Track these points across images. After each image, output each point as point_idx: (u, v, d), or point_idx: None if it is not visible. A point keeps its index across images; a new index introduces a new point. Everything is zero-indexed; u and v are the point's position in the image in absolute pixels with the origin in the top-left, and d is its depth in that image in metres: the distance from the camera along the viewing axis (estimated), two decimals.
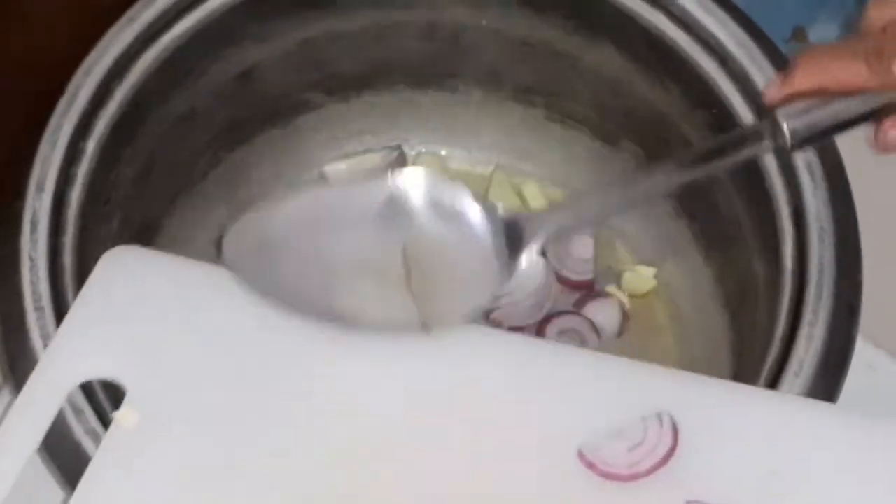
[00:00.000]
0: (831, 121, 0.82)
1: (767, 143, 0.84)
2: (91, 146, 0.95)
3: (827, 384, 0.87)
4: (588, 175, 1.18)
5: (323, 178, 1.21)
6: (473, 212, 0.86)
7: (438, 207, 0.86)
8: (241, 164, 1.15)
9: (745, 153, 0.86)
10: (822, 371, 0.87)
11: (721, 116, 0.99)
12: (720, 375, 1.02)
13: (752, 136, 0.85)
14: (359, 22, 1.09)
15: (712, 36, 0.99)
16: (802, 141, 0.83)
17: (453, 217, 0.86)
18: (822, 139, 0.84)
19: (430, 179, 0.87)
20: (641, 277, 1.16)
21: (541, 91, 1.16)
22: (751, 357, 0.98)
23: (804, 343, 0.88)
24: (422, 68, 1.16)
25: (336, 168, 1.20)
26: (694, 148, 0.96)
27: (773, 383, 0.87)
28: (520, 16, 1.08)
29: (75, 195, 0.93)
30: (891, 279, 0.96)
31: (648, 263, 1.17)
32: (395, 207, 0.86)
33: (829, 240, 0.91)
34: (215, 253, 1.13)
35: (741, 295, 1.05)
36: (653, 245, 1.16)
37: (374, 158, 1.21)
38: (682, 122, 1.05)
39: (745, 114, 0.97)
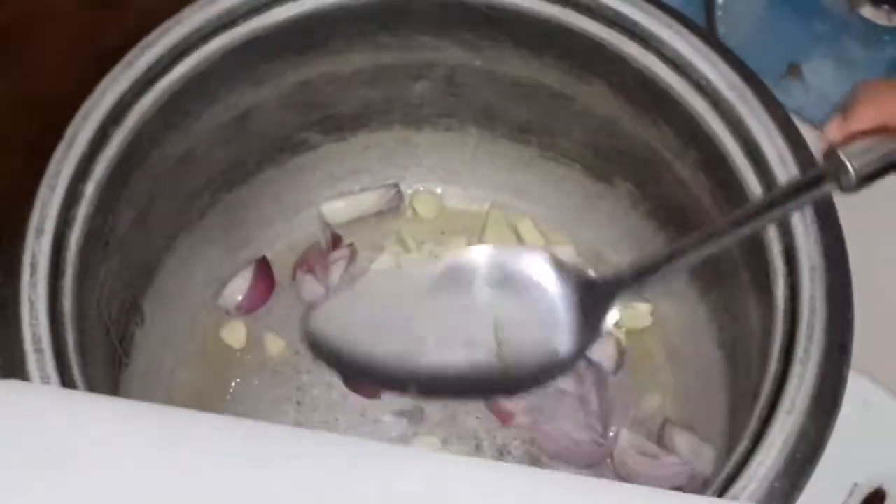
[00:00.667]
0: (893, 157, 0.80)
1: (832, 185, 0.81)
2: (90, 189, 0.95)
3: (818, 422, 0.87)
4: (582, 212, 1.18)
5: (321, 217, 1.21)
6: (552, 280, 0.86)
7: (519, 278, 0.86)
8: (238, 204, 1.16)
9: (809, 197, 0.84)
10: (813, 409, 0.87)
11: (712, 157, 1.00)
12: (715, 412, 1.05)
13: (816, 178, 0.83)
14: (355, 64, 1.10)
15: (704, 77, 1.00)
16: (866, 179, 0.80)
17: (534, 286, 0.86)
18: (883, 175, 0.82)
19: (508, 252, 0.87)
20: (638, 314, 1.17)
21: (535, 130, 1.17)
22: (746, 394, 0.99)
23: (796, 382, 0.88)
24: (417, 108, 1.17)
25: (333, 207, 1.21)
26: (759, 198, 0.95)
27: (766, 421, 0.88)
28: (514, 56, 1.09)
29: (74, 238, 0.94)
30: (886, 315, 0.96)
31: (644, 301, 1.17)
32: (475, 280, 0.86)
33: (820, 279, 0.91)
34: (213, 293, 1.15)
35: (735, 332, 1.05)
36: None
37: (372, 197, 1.22)
38: (675, 161, 1.06)
39: (735, 154, 0.98)
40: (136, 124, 0.99)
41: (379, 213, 1.23)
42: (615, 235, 1.18)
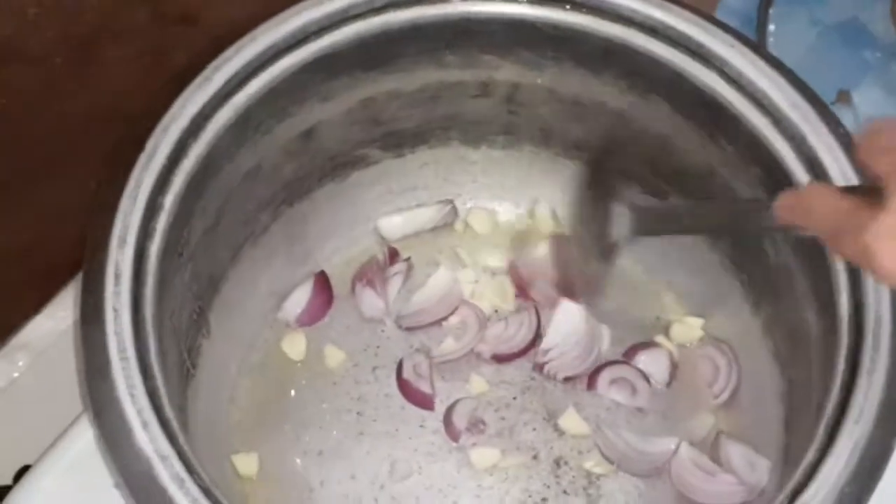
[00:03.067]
0: None
1: None
2: (169, 201, 0.98)
3: (886, 430, 0.90)
4: None
5: (377, 232, 1.24)
6: None
7: None
8: (300, 217, 1.18)
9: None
10: (881, 418, 0.90)
11: (774, 174, 1.02)
12: (770, 425, 1.07)
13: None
14: (419, 81, 1.13)
15: (765, 96, 1.02)
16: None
17: None
18: None
19: None
20: (689, 327, 1.19)
21: (590, 147, 1.19)
22: (804, 406, 1.01)
23: (863, 391, 0.91)
24: (476, 125, 1.20)
25: (390, 222, 1.24)
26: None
27: (833, 431, 0.90)
28: (575, 75, 1.11)
29: (154, 248, 0.96)
30: None
31: (696, 314, 1.20)
32: None
33: (885, 291, 0.94)
34: (274, 305, 1.17)
35: (791, 345, 1.08)
36: (701, 295, 1.19)
37: (427, 213, 1.24)
38: (734, 179, 1.08)
39: (798, 171, 1.00)
40: (212, 138, 1.01)
41: (434, 229, 1.25)
42: (668, 250, 1.19)
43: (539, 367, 1.17)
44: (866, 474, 0.88)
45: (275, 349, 1.19)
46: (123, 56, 1.08)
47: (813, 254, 0.99)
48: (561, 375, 1.16)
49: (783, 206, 0.82)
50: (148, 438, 0.87)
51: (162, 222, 0.97)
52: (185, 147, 0.99)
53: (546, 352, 1.17)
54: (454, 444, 1.14)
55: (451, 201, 1.25)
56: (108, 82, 1.08)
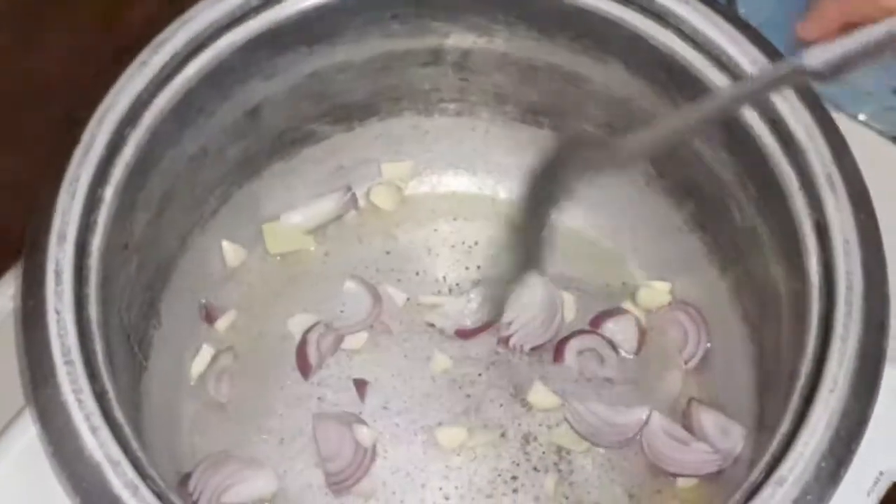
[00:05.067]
0: (861, 50, 0.80)
1: (805, 77, 0.82)
2: (109, 193, 0.94)
3: (861, 399, 0.87)
4: (596, 192, 1.17)
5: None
6: None
7: None
8: (250, 197, 1.14)
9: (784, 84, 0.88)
10: (856, 386, 0.87)
11: (737, 136, 0.99)
12: (741, 388, 1.04)
13: (791, 71, 0.83)
14: (366, 53, 1.09)
15: (724, 53, 0.99)
16: (835, 71, 0.80)
17: None
18: (852, 68, 0.81)
19: None
20: (656, 292, 1.16)
21: (547, 111, 1.16)
22: (776, 371, 0.99)
23: (836, 359, 0.88)
24: (427, 94, 1.16)
25: (290, 218, 1.19)
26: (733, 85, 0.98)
27: (808, 400, 0.87)
28: (527, 38, 1.08)
29: (96, 243, 0.92)
30: None
31: (662, 279, 1.17)
32: None
33: (855, 253, 0.91)
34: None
35: (761, 308, 1.05)
36: (666, 260, 1.16)
37: (328, 204, 1.20)
38: (696, 139, 1.05)
39: (763, 133, 0.97)
40: (152, 124, 0.97)
41: (338, 218, 1.21)
42: (631, 214, 1.16)
43: (504, 341, 1.14)
44: (843, 446, 0.86)
45: (231, 334, 1.15)
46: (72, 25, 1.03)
47: (779, 215, 0.96)
48: (527, 346, 1.14)
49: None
50: (97, 444, 0.84)
51: (103, 215, 0.93)
52: (123, 136, 0.96)
53: (509, 324, 1.14)
54: (420, 425, 1.11)
55: (349, 188, 1.21)
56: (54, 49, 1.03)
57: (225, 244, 1.15)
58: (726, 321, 1.11)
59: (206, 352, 1.13)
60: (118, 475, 0.83)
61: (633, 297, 1.17)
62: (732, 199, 1.04)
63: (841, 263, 0.91)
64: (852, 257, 0.91)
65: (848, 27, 0.81)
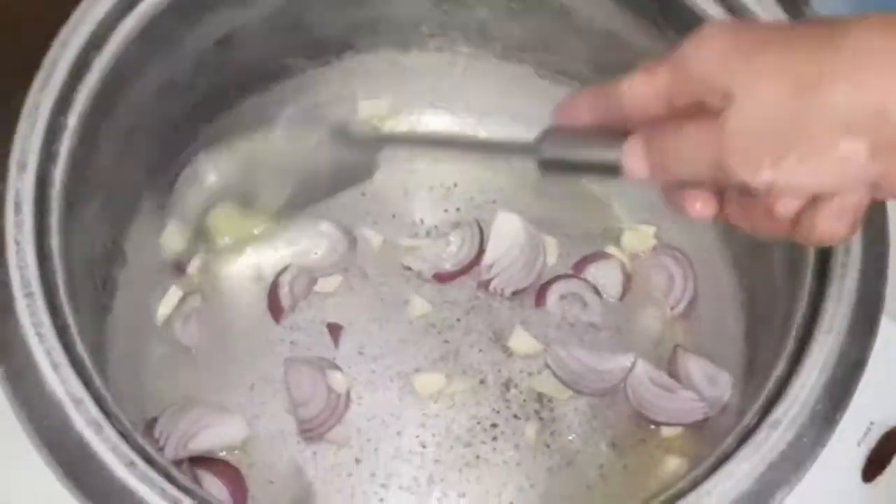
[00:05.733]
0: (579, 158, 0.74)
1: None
2: (72, 121, 0.89)
3: (859, 341, 0.84)
4: None
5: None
6: None
7: None
8: (220, 134, 1.09)
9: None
10: (854, 327, 0.84)
11: None
12: (729, 337, 1.01)
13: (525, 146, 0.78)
14: None
15: None
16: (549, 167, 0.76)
17: None
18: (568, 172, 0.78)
19: None
20: (641, 236, 1.13)
21: (530, 47, 1.11)
22: (766, 317, 0.96)
23: (834, 299, 0.84)
24: (406, 27, 1.12)
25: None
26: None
27: (803, 342, 0.84)
28: None
29: (58, 173, 0.88)
30: None
31: (647, 222, 1.13)
32: None
33: None
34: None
35: (751, 252, 1.02)
36: (652, 203, 1.12)
37: None
38: None
39: None
40: (117, 50, 0.92)
41: None
42: None
43: (484, 285, 1.10)
44: (840, 389, 0.82)
45: (197, 278, 1.11)
46: None
47: None
48: (508, 290, 1.10)
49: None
50: (59, 381, 0.80)
51: (66, 145, 0.89)
52: (87, 61, 0.91)
53: (489, 267, 1.11)
54: (396, 371, 1.07)
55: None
56: None
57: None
58: (714, 266, 1.08)
59: (174, 294, 1.09)
60: (81, 413, 0.79)
61: (617, 240, 1.14)
62: None
63: None
64: None
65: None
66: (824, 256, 0.86)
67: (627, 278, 1.11)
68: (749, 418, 0.83)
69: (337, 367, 1.06)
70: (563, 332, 1.09)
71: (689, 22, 0.96)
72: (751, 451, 0.80)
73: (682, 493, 0.80)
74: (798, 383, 0.82)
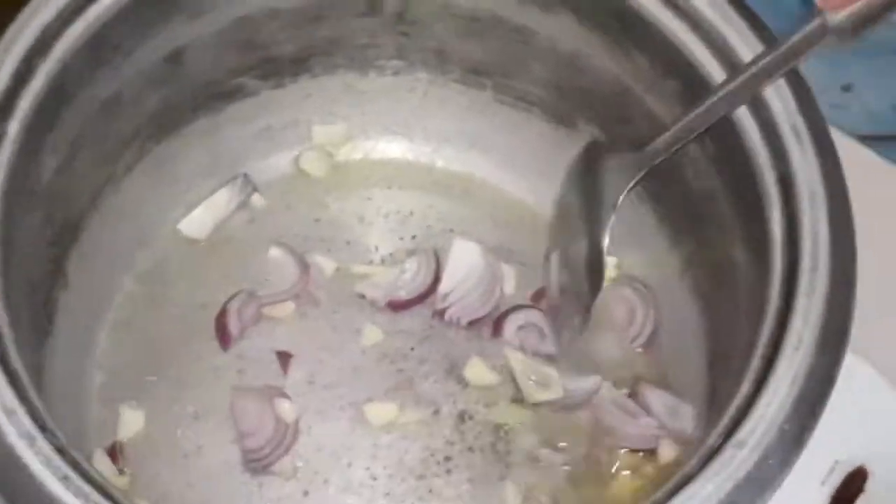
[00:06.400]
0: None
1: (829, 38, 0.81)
2: (14, 128, 0.86)
3: (827, 358, 0.81)
4: (540, 161, 1.11)
5: (182, 235, 1.11)
6: None
7: None
8: (168, 157, 1.07)
9: (808, 49, 0.83)
10: (822, 344, 0.81)
11: (693, 85, 0.93)
12: (692, 366, 0.97)
13: (813, 33, 0.82)
14: None
15: None
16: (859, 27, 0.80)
17: None
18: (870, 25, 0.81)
19: None
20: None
21: (490, 71, 1.09)
22: (730, 345, 0.92)
23: (801, 315, 0.82)
24: (364, 49, 1.09)
25: (190, 221, 1.11)
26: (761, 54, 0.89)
27: (770, 360, 0.81)
28: None
29: None
30: (870, 289, 0.88)
31: (609, 254, 1.09)
32: None
33: (822, 206, 0.85)
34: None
35: (715, 278, 0.99)
36: (614, 234, 1.09)
37: (223, 195, 1.12)
38: (648, 95, 0.99)
39: (719, 77, 0.91)
40: (62, 56, 0.90)
41: (239, 207, 1.12)
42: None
43: (440, 313, 1.07)
44: (808, 409, 0.79)
45: (143, 304, 1.07)
46: None
47: (739, 171, 0.90)
48: (465, 320, 1.07)
49: None
50: None
51: (6, 152, 0.86)
52: (31, 67, 0.88)
53: (445, 296, 1.07)
54: (346, 402, 1.03)
55: (244, 175, 1.12)
56: None
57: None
58: (675, 296, 1.05)
59: (117, 319, 1.05)
60: (13, 424, 0.75)
61: None
62: (688, 160, 0.97)
63: (806, 217, 0.85)
64: (818, 210, 0.85)
65: None
66: (791, 271, 0.84)
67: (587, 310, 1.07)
68: (714, 438, 0.79)
69: (286, 396, 1.02)
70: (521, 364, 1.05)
71: (654, 41, 0.94)
72: (715, 472, 0.77)
73: None
74: (764, 401, 0.79)
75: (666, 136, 0.91)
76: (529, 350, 1.06)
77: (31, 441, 0.75)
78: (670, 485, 0.78)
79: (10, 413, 0.75)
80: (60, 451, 0.75)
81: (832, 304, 0.82)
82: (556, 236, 1.06)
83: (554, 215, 1.06)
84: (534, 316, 1.07)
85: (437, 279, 1.08)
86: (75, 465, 0.75)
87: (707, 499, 0.76)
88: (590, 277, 0.99)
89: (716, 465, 0.77)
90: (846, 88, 1.47)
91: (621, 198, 0.95)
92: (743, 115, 0.90)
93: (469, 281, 1.07)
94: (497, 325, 1.07)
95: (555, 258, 1.06)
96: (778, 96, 0.89)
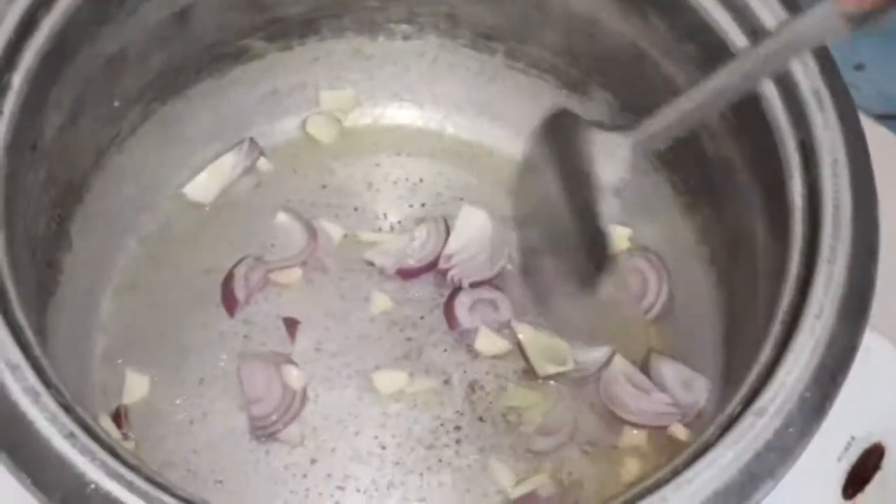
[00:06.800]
0: None
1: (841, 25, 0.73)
2: (17, 80, 0.84)
3: (849, 327, 0.79)
4: None
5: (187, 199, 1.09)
6: None
7: None
8: (173, 119, 1.05)
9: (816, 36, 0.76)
10: (844, 312, 0.79)
11: (712, 50, 0.91)
12: (706, 338, 0.96)
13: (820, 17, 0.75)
14: None
15: None
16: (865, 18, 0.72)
17: None
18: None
19: None
20: (615, 237, 1.07)
21: (502, 36, 1.07)
22: (746, 316, 0.91)
23: (823, 283, 0.80)
24: (373, 12, 1.07)
25: (195, 185, 1.09)
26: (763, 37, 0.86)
27: (790, 328, 0.79)
28: None
29: (1, 134, 0.82)
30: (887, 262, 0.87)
31: (623, 224, 1.08)
32: None
33: (844, 173, 0.83)
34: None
35: (731, 248, 0.97)
36: (627, 204, 1.07)
37: (229, 160, 1.09)
38: (665, 60, 0.97)
39: (739, 41, 0.89)
40: (67, 9, 0.87)
41: (245, 172, 1.10)
42: None
43: (442, 273, 1.05)
44: (829, 377, 0.77)
45: (147, 268, 1.05)
46: None
47: (758, 138, 0.88)
48: (466, 282, 1.05)
49: None
50: None
51: (9, 104, 0.84)
52: (35, 19, 0.86)
53: (449, 257, 1.06)
54: (355, 369, 1.01)
55: (249, 138, 1.10)
56: None
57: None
58: (690, 267, 1.04)
59: (121, 283, 1.03)
60: (18, 380, 0.73)
61: None
62: (704, 127, 0.95)
63: (828, 184, 0.84)
64: (840, 177, 0.84)
65: None
66: (812, 239, 0.82)
67: None
68: (733, 406, 0.78)
69: (292, 363, 1.00)
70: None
71: (671, 3, 0.92)
72: (734, 440, 0.75)
73: (661, 483, 0.74)
74: (784, 369, 0.77)
75: (661, 121, 0.84)
76: (491, 323, 1.04)
77: (35, 397, 0.73)
78: (688, 453, 0.76)
79: (13, 368, 0.74)
80: (66, 408, 0.73)
81: (854, 272, 0.80)
82: (527, 203, 1.02)
83: (521, 180, 0.99)
84: (478, 294, 1.05)
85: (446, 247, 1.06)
86: (81, 423, 0.73)
87: (726, 467, 0.74)
88: (593, 259, 0.95)
89: (735, 433, 0.75)
90: (858, 68, 1.46)
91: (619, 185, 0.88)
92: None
93: (474, 245, 1.06)
94: (449, 318, 1.04)
95: (534, 230, 1.03)
96: (799, 60, 0.87)
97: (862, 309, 0.80)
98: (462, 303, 1.04)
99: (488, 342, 1.02)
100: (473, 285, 1.05)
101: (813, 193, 0.84)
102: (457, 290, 1.05)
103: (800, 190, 0.85)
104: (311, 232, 1.06)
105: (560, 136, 0.90)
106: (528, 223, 0.95)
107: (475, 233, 1.06)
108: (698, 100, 0.79)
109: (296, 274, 1.05)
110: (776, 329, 0.80)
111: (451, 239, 1.06)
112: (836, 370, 0.78)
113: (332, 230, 1.07)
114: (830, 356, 0.78)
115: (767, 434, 0.75)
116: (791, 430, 0.76)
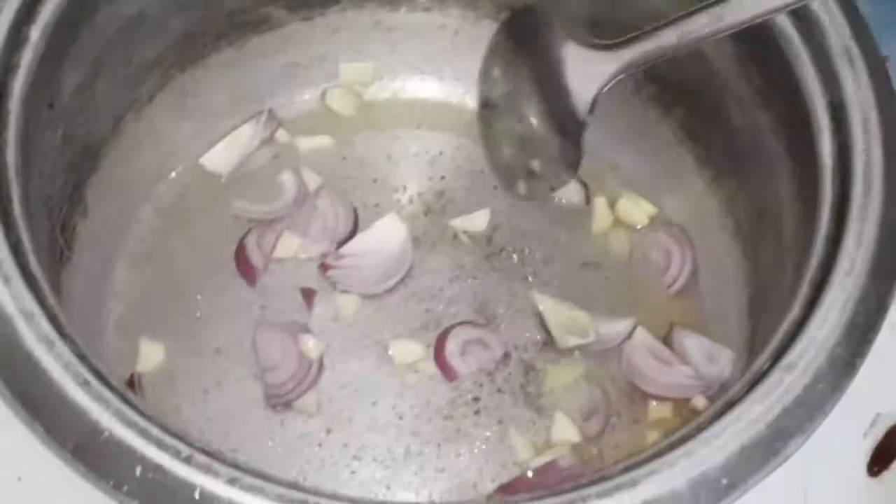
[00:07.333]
0: None
1: None
2: (35, 34, 0.83)
3: (880, 284, 0.78)
4: None
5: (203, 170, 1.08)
6: None
7: None
8: (191, 87, 1.04)
9: None
10: (875, 269, 0.78)
11: None
12: (730, 310, 0.94)
13: None
14: None
15: None
16: None
17: None
18: None
19: None
20: (639, 208, 1.07)
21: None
22: (772, 286, 0.90)
23: (853, 241, 0.79)
24: None
25: (212, 156, 1.07)
26: None
27: (820, 286, 0.78)
28: None
29: (17, 86, 0.82)
30: None
31: (645, 197, 1.06)
32: None
33: (875, 131, 0.82)
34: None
35: (758, 217, 0.96)
36: (650, 177, 1.07)
37: (246, 131, 1.08)
38: None
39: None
40: None
41: (263, 143, 1.09)
42: (617, 127, 1.06)
43: (322, 268, 1.04)
44: (859, 334, 0.76)
45: (163, 237, 1.04)
46: None
47: (787, 100, 0.87)
48: (340, 287, 1.02)
49: None
50: (9, 295, 0.73)
51: (27, 57, 0.83)
52: None
53: (341, 256, 1.04)
54: (370, 340, 1.01)
55: (267, 109, 1.09)
56: None
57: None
58: (715, 239, 1.03)
59: (137, 251, 1.02)
60: (32, 328, 0.72)
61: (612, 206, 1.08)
62: (731, 96, 0.95)
63: (858, 142, 0.83)
64: (871, 135, 0.82)
65: None
66: (843, 197, 0.81)
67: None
68: (761, 362, 0.76)
69: (309, 332, 0.98)
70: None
71: None
72: (763, 394, 0.74)
73: (687, 438, 0.73)
74: (815, 325, 0.76)
75: (644, 43, 0.87)
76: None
77: (50, 345, 0.72)
78: (716, 406, 0.75)
79: (28, 316, 0.72)
80: (80, 356, 0.72)
81: (885, 229, 0.79)
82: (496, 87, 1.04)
83: (483, 79, 1.04)
84: (462, 335, 1.01)
85: None
86: (95, 371, 0.72)
87: (754, 421, 0.73)
88: (566, 166, 0.98)
89: (764, 387, 0.74)
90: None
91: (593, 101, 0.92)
92: (792, 38, 0.86)
93: (373, 257, 1.04)
94: (445, 370, 1.00)
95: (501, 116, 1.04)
96: (830, 20, 0.86)
97: (893, 266, 0.78)
98: (452, 352, 1.01)
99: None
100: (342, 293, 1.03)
101: (843, 152, 0.83)
102: (442, 341, 1.01)
103: (829, 149, 0.83)
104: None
105: (532, 37, 0.90)
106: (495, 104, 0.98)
107: (383, 247, 1.04)
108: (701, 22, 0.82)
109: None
110: (804, 290, 0.79)
111: (355, 240, 1.04)
112: (866, 328, 0.77)
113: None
114: (861, 313, 0.77)
115: (797, 390, 0.74)
116: (821, 385, 0.75)
